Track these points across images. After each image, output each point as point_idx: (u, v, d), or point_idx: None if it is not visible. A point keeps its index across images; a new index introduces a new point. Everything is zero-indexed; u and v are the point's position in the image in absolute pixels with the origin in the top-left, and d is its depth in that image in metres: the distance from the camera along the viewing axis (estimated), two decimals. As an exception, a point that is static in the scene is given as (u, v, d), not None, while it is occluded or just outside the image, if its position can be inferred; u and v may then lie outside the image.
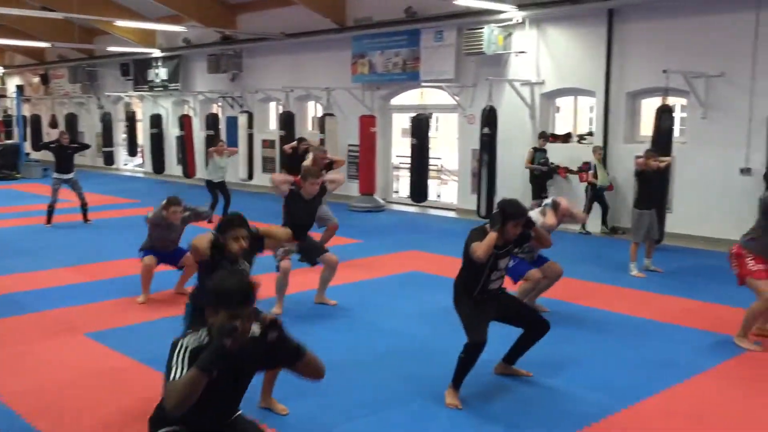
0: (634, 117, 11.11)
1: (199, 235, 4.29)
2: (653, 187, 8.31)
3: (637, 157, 8.37)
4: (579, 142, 11.72)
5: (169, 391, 2.55)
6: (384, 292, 7.27)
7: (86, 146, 13.04)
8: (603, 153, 10.84)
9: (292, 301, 6.52)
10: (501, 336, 4.79)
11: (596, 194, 10.74)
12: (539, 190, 11.29)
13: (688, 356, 5.32)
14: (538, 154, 11.44)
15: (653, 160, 8.07)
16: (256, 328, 2.72)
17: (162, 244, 6.84)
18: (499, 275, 4.59)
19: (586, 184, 10.85)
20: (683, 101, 10.77)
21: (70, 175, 11.33)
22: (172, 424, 2.75)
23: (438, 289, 7.38)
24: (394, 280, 7.86)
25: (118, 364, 5.06)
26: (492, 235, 4.33)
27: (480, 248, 4.29)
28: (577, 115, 12.82)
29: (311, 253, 6.60)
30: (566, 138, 11.92)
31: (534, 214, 5.97)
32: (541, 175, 11.38)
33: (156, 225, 6.77)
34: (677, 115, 11.19)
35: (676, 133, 10.22)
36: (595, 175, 10.66)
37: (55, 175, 11.37)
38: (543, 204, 6.41)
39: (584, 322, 6.18)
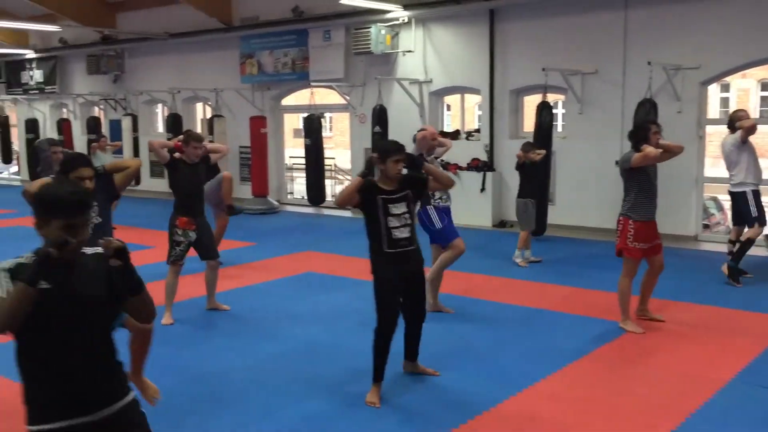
0: (517, 113, 11.52)
1: (34, 182, 4.05)
2: (532, 177, 8.66)
3: (527, 150, 8.58)
4: (467, 138, 12.03)
5: None
6: (278, 295, 7.19)
7: None
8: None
9: (181, 308, 6.34)
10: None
11: None
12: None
13: (571, 341, 5.56)
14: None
15: (531, 153, 8.44)
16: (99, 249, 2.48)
17: None
18: (401, 223, 4.39)
19: None
20: (562, 98, 11.27)
21: None
22: (48, 422, 2.46)
23: (333, 289, 7.40)
24: (289, 282, 7.79)
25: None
26: (355, 180, 4.47)
27: (339, 194, 4.47)
28: (465, 113, 13.15)
29: (203, 249, 6.31)
30: (455, 135, 12.20)
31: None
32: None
33: None
34: (558, 111, 11.72)
35: (559, 128, 10.64)
36: None
37: None
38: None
39: (474, 315, 6.34)
